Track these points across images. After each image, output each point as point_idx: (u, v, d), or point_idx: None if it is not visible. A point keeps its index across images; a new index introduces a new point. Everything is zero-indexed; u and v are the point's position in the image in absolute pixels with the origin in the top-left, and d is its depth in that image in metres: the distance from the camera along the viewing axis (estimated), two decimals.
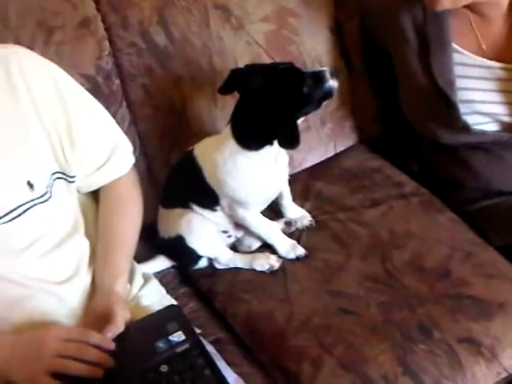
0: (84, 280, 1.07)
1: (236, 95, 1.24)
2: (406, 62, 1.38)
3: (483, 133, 1.34)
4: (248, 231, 1.35)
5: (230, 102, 1.44)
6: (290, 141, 1.18)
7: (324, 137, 1.54)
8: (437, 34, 1.32)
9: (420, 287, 1.24)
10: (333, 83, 1.21)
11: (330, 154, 1.57)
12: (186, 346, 0.96)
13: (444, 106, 1.33)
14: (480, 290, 1.22)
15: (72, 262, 1.07)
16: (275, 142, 1.20)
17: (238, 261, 1.32)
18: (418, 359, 1.12)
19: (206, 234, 1.30)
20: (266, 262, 1.31)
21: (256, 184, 1.26)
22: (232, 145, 1.22)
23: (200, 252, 1.31)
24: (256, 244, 1.36)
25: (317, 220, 1.40)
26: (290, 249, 1.33)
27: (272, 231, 1.34)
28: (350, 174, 1.53)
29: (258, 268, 1.31)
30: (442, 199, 1.45)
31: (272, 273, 1.30)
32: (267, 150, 1.21)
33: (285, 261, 1.32)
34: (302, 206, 1.43)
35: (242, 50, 1.42)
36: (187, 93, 1.40)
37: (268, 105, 1.16)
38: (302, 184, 1.50)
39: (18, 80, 0.99)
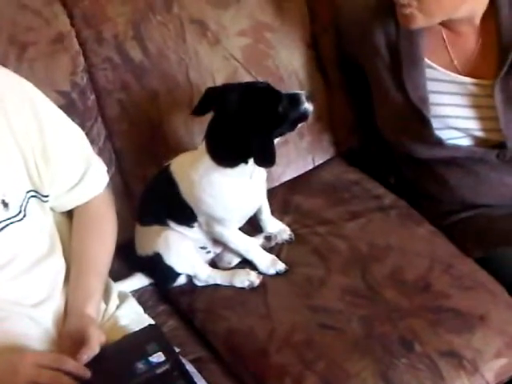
0: (59, 302, 1.05)
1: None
2: (379, 78, 1.39)
3: (457, 147, 1.35)
4: (227, 247, 1.34)
5: (207, 117, 1.43)
6: (266, 159, 1.18)
7: (302, 150, 1.54)
8: (409, 50, 1.33)
9: (400, 300, 1.23)
10: (308, 106, 1.22)
11: (309, 167, 1.57)
12: (167, 366, 0.95)
13: (417, 121, 1.34)
14: (460, 303, 1.22)
15: (47, 283, 1.05)
16: (250, 160, 1.20)
17: (217, 277, 1.31)
18: (400, 374, 1.12)
19: (184, 251, 1.28)
20: (246, 279, 1.29)
21: (232, 201, 1.25)
22: (207, 161, 1.21)
23: (178, 269, 1.29)
24: (236, 260, 1.35)
25: (296, 234, 1.40)
26: (270, 264, 1.32)
27: (251, 247, 1.33)
28: (328, 187, 1.53)
29: (238, 284, 1.29)
30: (419, 212, 1.45)
31: (252, 288, 1.29)
32: (242, 167, 1.21)
33: (265, 276, 1.31)
34: (282, 220, 1.42)
35: (219, 64, 1.42)
36: (164, 108, 1.39)
37: (243, 123, 1.16)
38: (281, 198, 1.49)
39: None
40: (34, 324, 1.00)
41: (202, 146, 1.22)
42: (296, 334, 1.19)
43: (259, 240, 1.37)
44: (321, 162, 1.59)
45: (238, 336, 1.21)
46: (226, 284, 1.30)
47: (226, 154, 1.20)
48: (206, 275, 1.31)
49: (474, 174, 1.37)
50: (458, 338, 1.16)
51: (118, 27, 1.33)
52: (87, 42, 1.31)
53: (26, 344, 0.98)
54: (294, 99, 1.21)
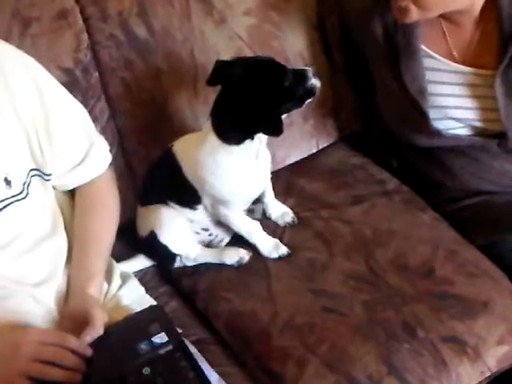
0: (61, 281, 1.04)
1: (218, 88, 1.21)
2: (378, 67, 1.38)
3: (457, 137, 1.34)
4: (219, 226, 1.33)
5: (211, 97, 1.40)
6: (273, 129, 1.17)
7: (306, 134, 1.53)
8: (406, 41, 1.31)
9: (404, 286, 1.23)
10: (315, 82, 1.20)
11: (313, 150, 1.56)
12: (169, 347, 0.94)
13: (416, 112, 1.33)
14: (463, 289, 1.22)
15: (49, 263, 1.04)
16: (256, 137, 1.19)
17: (207, 256, 1.31)
18: (402, 359, 1.12)
19: (177, 229, 1.28)
20: (235, 254, 1.30)
21: (237, 182, 1.23)
22: (212, 139, 1.19)
23: (172, 248, 1.28)
24: (227, 238, 1.35)
25: (299, 217, 1.39)
26: (273, 248, 1.31)
27: (254, 230, 1.32)
28: (332, 171, 1.52)
29: (228, 261, 1.29)
30: (423, 198, 1.44)
31: (255, 271, 1.28)
32: (248, 144, 1.19)
33: (268, 259, 1.30)
34: (285, 203, 1.41)
35: (224, 44, 1.40)
36: (168, 87, 1.38)
37: (248, 97, 1.15)
38: (285, 181, 1.48)
39: None
40: (36, 303, 0.99)
41: (208, 124, 1.21)
42: (298, 317, 1.18)
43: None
44: (325, 145, 1.58)
45: (241, 318, 1.21)
46: (216, 262, 1.30)
47: (232, 130, 1.18)
48: (195, 254, 1.30)
49: (477, 161, 1.37)
50: (460, 324, 1.16)
51: (122, 4, 1.31)
52: (91, 19, 1.29)
53: (28, 322, 0.97)
54: (301, 75, 1.20)
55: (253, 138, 1.19)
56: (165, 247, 1.28)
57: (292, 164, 1.52)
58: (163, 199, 1.27)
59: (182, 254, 1.30)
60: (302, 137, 1.53)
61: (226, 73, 1.19)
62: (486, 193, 1.39)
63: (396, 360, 1.11)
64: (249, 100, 1.15)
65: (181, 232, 1.28)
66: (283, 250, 1.31)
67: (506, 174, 1.37)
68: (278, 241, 1.33)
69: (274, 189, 1.38)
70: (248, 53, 1.41)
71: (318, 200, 1.43)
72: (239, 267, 1.29)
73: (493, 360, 1.15)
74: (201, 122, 1.33)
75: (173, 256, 1.30)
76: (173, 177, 1.25)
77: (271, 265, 1.29)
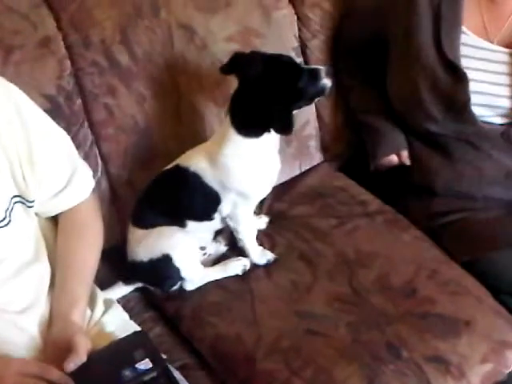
0: (44, 308, 1.03)
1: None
2: (415, 35, 1.38)
3: (473, 118, 1.35)
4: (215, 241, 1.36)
5: (194, 121, 1.43)
6: (284, 128, 1.22)
7: (289, 156, 1.54)
8: (450, 12, 1.35)
9: (387, 306, 1.24)
10: (327, 82, 1.25)
11: (295, 173, 1.57)
12: (154, 374, 0.93)
13: (450, 78, 1.35)
14: (446, 308, 1.23)
15: (32, 289, 1.03)
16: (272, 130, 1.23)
17: (210, 274, 1.32)
18: (387, 380, 1.12)
19: (190, 251, 1.29)
20: (239, 264, 1.32)
21: (261, 172, 1.28)
22: (233, 136, 1.23)
23: (183, 271, 1.27)
24: (223, 248, 1.37)
25: (283, 239, 1.40)
26: (261, 254, 1.34)
27: (252, 235, 1.35)
28: (315, 193, 1.53)
29: (233, 273, 1.32)
30: (407, 213, 1.46)
31: (239, 294, 1.28)
32: (266, 137, 1.24)
33: (252, 281, 1.31)
34: (267, 227, 1.43)
35: (207, 69, 1.42)
36: (151, 112, 1.38)
37: (264, 94, 1.20)
38: (268, 203, 1.49)
39: None
40: (18, 331, 0.99)
41: (226, 122, 1.24)
42: (283, 341, 1.19)
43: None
44: (307, 167, 1.59)
45: (225, 342, 1.21)
46: (220, 277, 1.31)
47: (250, 124, 1.23)
48: (199, 276, 1.31)
49: (477, 149, 1.39)
50: (444, 343, 1.17)
51: (105, 31, 1.32)
52: (74, 46, 1.30)
53: (10, 351, 0.96)
54: (314, 74, 1.24)
55: (270, 131, 1.23)
56: (177, 270, 1.27)
57: (275, 187, 1.53)
58: (178, 219, 1.28)
59: (189, 277, 1.29)
60: (285, 160, 1.53)
61: (240, 65, 1.24)
62: (469, 209, 1.41)
63: (381, 381, 1.12)
64: (263, 96, 1.20)
65: (194, 254, 1.30)
66: (269, 255, 1.35)
67: (500, 165, 1.39)
68: (262, 247, 1.36)
69: (255, 212, 1.39)
70: (230, 78, 1.42)
71: (300, 222, 1.44)
72: (223, 290, 1.30)
73: (477, 378, 1.16)
74: (183, 145, 1.34)
75: (178, 279, 1.29)
76: (190, 190, 1.27)
77: (255, 287, 1.30)
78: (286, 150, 1.53)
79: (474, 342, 1.19)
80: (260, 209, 1.46)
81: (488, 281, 1.30)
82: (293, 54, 1.52)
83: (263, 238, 1.41)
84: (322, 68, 1.26)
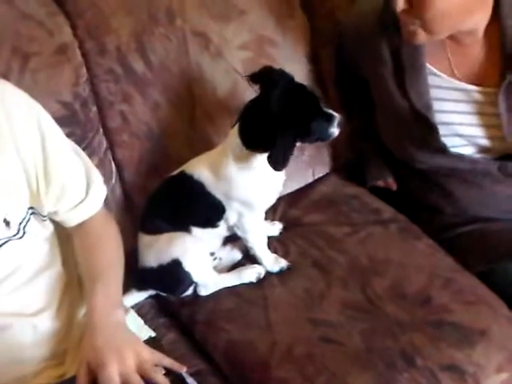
0: (58, 309, 1.05)
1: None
2: (384, 84, 1.39)
3: (460, 156, 1.35)
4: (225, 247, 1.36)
5: (208, 129, 1.44)
6: (278, 163, 1.20)
7: (303, 163, 1.54)
8: (412, 58, 1.33)
9: (401, 314, 1.23)
10: (335, 131, 1.24)
11: (309, 180, 1.57)
12: (167, 380, 0.94)
13: (422, 128, 1.34)
14: (461, 317, 1.22)
15: (46, 292, 1.05)
16: None
17: (225, 281, 1.32)
18: None
19: (200, 256, 1.29)
20: (253, 272, 1.32)
21: (263, 184, 1.27)
22: (238, 147, 1.23)
23: (194, 276, 1.28)
24: (228, 262, 1.37)
25: (296, 247, 1.39)
26: (274, 262, 1.34)
27: (262, 243, 1.34)
28: (328, 201, 1.53)
29: (247, 280, 1.32)
30: (419, 225, 1.45)
31: (253, 301, 1.28)
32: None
33: (266, 288, 1.31)
34: (281, 234, 1.43)
35: (221, 77, 1.42)
36: (165, 119, 1.39)
37: (276, 117, 1.18)
38: (281, 211, 1.49)
39: (0, 115, 0.97)
40: (34, 329, 1.00)
41: (233, 132, 1.24)
42: (297, 348, 1.18)
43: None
44: (320, 175, 1.59)
45: (239, 349, 1.21)
46: (235, 284, 1.31)
47: (256, 138, 1.22)
48: (213, 282, 1.31)
49: (478, 187, 1.38)
50: (459, 352, 1.16)
51: (120, 39, 1.33)
52: (90, 54, 1.32)
53: (27, 349, 0.98)
54: (329, 119, 1.23)
55: None
56: (187, 275, 1.27)
57: (288, 194, 1.54)
58: (179, 224, 1.28)
59: (201, 281, 1.30)
60: (299, 167, 1.54)
61: (266, 81, 1.22)
62: (482, 220, 1.40)
63: None
64: (275, 120, 1.18)
65: (203, 258, 1.30)
66: (283, 263, 1.34)
67: (508, 199, 1.38)
68: (276, 255, 1.35)
69: (268, 218, 1.39)
70: (244, 86, 1.43)
71: (314, 230, 1.44)
72: (236, 296, 1.30)
73: None
74: (196, 152, 1.35)
75: (189, 284, 1.30)
76: (194, 197, 1.27)
77: (269, 294, 1.29)
78: (300, 157, 1.53)
79: (490, 351, 1.17)
80: (273, 215, 1.46)
81: (502, 291, 1.29)
82: (305, 62, 1.52)
83: (277, 245, 1.41)
84: (338, 116, 1.24)
